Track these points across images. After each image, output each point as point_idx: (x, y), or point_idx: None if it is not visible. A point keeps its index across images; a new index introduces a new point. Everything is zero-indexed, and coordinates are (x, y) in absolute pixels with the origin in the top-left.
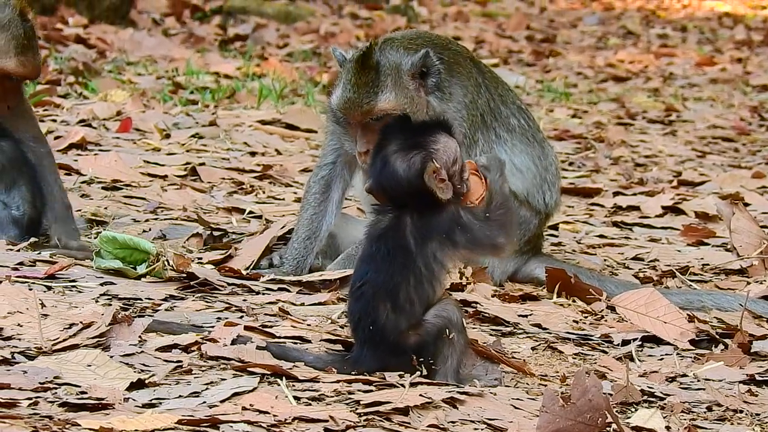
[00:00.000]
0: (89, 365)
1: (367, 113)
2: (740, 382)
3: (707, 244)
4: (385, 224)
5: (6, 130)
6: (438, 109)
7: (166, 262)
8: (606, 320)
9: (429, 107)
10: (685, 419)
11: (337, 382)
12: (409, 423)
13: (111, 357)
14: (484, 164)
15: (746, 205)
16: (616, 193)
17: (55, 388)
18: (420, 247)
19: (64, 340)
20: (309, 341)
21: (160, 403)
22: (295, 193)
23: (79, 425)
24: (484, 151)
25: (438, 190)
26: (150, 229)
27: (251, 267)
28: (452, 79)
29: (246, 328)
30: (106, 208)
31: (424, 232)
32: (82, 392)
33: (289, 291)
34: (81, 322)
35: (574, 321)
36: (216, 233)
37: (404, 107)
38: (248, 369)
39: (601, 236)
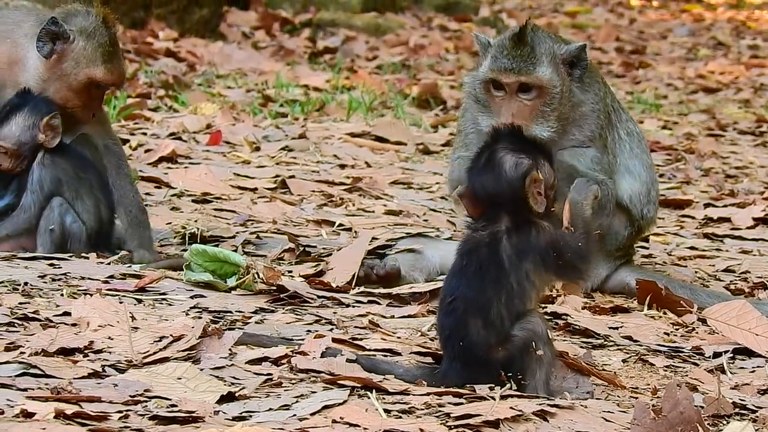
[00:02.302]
0: (179, 378)
1: (524, 81)
2: None
3: None
4: (477, 240)
5: (65, 145)
6: (579, 97)
7: (256, 275)
8: (697, 332)
9: (572, 94)
10: None
11: (428, 394)
12: None
13: (201, 370)
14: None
15: None
16: (706, 205)
17: (146, 401)
18: (515, 265)
19: (155, 353)
20: (399, 354)
21: (251, 416)
22: (385, 205)
23: None
24: (610, 148)
25: (533, 200)
26: (240, 242)
27: (352, 282)
28: (587, 76)
29: (336, 340)
30: (196, 221)
31: (520, 252)
32: (173, 405)
33: (379, 303)
34: (171, 335)
35: (665, 333)
36: (306, 246)
37: (555, 86)
38: (338, 382)
39: (692, 248)
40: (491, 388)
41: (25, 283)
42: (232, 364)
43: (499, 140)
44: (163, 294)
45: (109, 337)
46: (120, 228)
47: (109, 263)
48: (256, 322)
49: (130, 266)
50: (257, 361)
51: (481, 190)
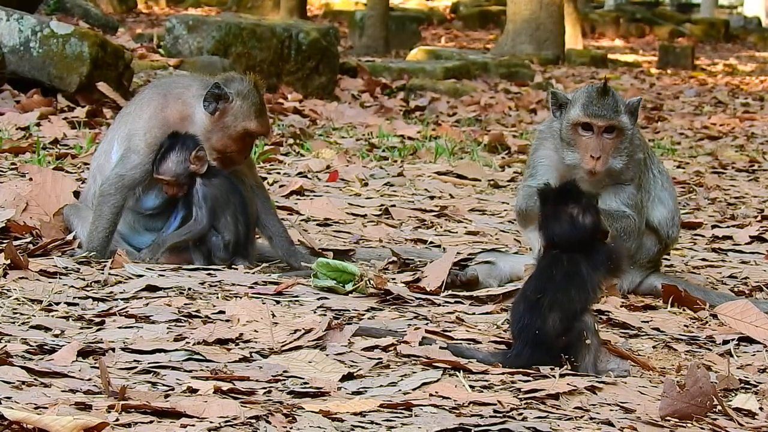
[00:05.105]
0: (310, 362)
1: (609, 124)
2: None
3: None
4: (560, 255)
5: (215, 170)
6: (636, 140)
7: (368, 282)
8: (710, 325)
9: (634, 137)
10: None
11: (503, 374)
12: (559, 405)
13: (327, 355)
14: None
15: None
16: (713, 226)
17: (284, 380)
18: (591, 276)
19: (290, 342)
20: (480, 342)
21: (366, 391)
22: (465, 227)
23: (303, 408)
24: (644, 186)
25: (599, 241)
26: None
27: (442, 286)
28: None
29: (430, 332)
30: (320, 240)
31: (594, 265)
32: (305, 383)
33: (463, 303)
34: (303, 329)
35: (685, 325)
36: (405, 259)
37: (629, 129)
38: (433, 364)
39: (703, 259)
40: (552, 369)
41: (189, 289)
42: (351, 351)
43: (570, 200)
44: (296, 297)
45: (255, 330)
46: (264, 246)
47: (253, 273)
48: (368, 318)
49: (270, 275)
50: (370, 349)
51: (561, 239)
